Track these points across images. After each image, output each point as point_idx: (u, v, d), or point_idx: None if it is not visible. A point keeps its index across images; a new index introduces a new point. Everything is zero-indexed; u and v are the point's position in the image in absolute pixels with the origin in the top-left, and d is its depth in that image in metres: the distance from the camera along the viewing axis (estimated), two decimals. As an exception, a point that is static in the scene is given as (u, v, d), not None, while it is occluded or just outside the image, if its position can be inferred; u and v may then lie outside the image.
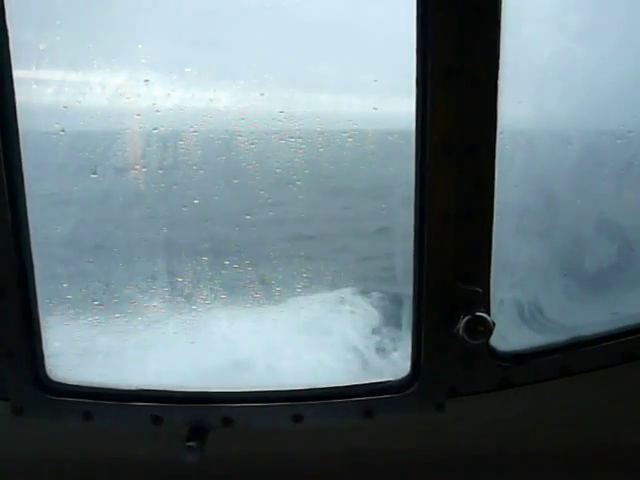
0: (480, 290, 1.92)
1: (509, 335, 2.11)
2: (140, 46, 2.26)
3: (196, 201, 2.52)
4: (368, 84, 2.27)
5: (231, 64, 2.38)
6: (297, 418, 1.99)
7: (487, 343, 1.95)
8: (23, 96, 1.91)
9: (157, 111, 2.32)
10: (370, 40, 2.30)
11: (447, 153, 1.82)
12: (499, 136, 1.87)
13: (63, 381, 2.05)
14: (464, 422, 2.09)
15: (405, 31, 1.82)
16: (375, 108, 2.27)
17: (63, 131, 2.22)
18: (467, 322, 1.86)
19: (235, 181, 2.64)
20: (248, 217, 2.67)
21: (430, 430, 2.10)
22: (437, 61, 1.76)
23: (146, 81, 2.26)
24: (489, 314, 1.92)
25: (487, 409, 2.08)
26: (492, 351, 2.01)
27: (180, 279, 2.62)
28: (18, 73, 1.89)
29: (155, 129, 2.39)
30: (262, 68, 2.32)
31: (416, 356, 1.98)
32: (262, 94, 2.33)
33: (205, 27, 2.35)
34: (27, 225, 1.95)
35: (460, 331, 1.87)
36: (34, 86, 2.11)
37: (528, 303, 2.26)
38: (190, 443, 1.93)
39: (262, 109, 2.38)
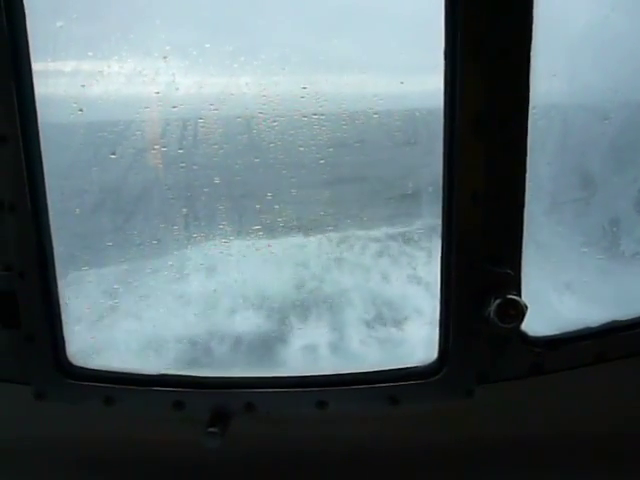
0: (511, 272, 1.85)
1: (541, 319, 2.03)
2: (158, 22, 2.21)
3: (217, 180, 2.48)
4: (394, 61, 2.18)
5: (254, 43, 2.32)
6: (321, 404, 1.95)
7: (518, 328, 1.87)
8: (42, 87, 1.88)
9: (177, 89, 2.27)
10: (396, 16, 2.21)
11: (477, 130, 1.74)
12: (531, 111, 1.78)
13: (84, 365, 2.04)
14: (494, 409, 2.03)
15: (432, 5, 1.73)
16: (402, 82, 2.19)
17: (81, 110, 2.19)
18: (498, 305, 1.79)
19: (256, 160, 2.59)
20: (270, 196, 2.62)
21: (459, 417, 2.04)
22: (466, 34, 1.68)
23: (165, 58, 2.21)
24: (520, 297, 1.84)
25: (518, 396, 2.02)
26: (524, 336, 1.94)
27: (201, 264, 2.60)
28: (37, 65, 1.85)
29: (174, 107, 2.34)
30: (285, 47, 2.26)
31: (444, 341, 1.92)
32: (283, 69, 2.26)
33: (225, 7, 2.28)
34: (46, 209, 1.93)
35: (491, 315, 1.80)
36: (52, 74, 2.07)
37: (562, 286, 2.18)
38: (212, 429, 1.91)
39: (284, 87, 2.32)
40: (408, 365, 1.98)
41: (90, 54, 2.20)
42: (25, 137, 1.85)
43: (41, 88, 1.87)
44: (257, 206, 2.82)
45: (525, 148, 1.79)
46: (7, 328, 1.98)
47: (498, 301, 1.80)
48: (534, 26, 1.70)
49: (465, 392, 1.94)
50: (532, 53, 1.72)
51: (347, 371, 2.00)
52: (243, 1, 2.29)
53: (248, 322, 2.71)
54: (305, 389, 1.96)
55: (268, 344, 2.60)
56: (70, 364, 2.01)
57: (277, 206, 2.79)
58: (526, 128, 1.77)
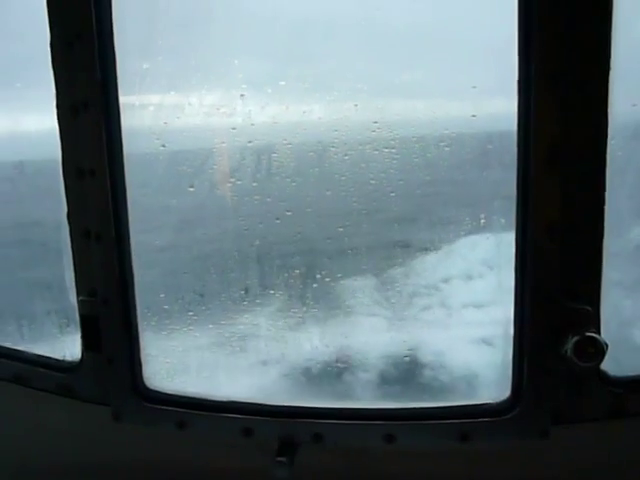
0: (590, 308, 1.77)
1: (622, 358, 1.93)
2: (236, 62, 2.31)
3: (289, 213, 2.53)
4: (466, 88, 2.18)
5: (324, 75, 2.38)
6: (389, 438, 1.92)
7: (598, 367, 1.79)
8: (127, 119, 2.00)
9: (252, 124, 2.36)
10: (467, 43, 2.21)
11: (552, 162, 1.70)
12: (610, 142, 1.72)
13: (159, 389, 2.10)
14: (570, 452, 1.93)
15: (506, 30, 1.73)
16: (474, 115, 2.18)
17: (163, 146, 2.30)
18: (576, 343, 1.72)
19: (328, 193, 2.63)
20: (341, 229, 2.64)
21: (532, 458, 1.96)
22: (541, 62, 1.65)
23: (242, 96, 2.31)
24: (600, 334, 1.76)
25: (597, 439, 1.91)
26: (604, 376, 1.85)
27: (272, 291, 2.64)
28: (123, 94, 1.98)
29: (250, 142, 2.43)
30: (356, 78, 2.30)
31: (517, 378, 1.85)
32: (356, 105, 2.30)
33: (299, 40, 2.36)
34: (129, 238, 2.04)
35: (568, 352, 1.73)
36: (137, 109, 2.20)
37: (644, 323, 2.07)
38: (280, 458, 1.91)
39: (355, 120, 2.36)
40: (480, 401, 1.92)
41: (172, 92, 2.32)
42: (111, 170, 1.97)
43: (126, 121, 1.99)
44: (327, 240, 2.85)
45: (603, 181, 1.73)
46: (90, 351, 2.08)
47: (576, 338, 1.73)
48: (612, 54, 1.66)
49: (539, 432, 1.86)
50: (610, 82, 1.68)
51: (417, 405, 1.97)
52: (316, 35, 2.36)
53: (317, 351, 2.72)
54: (373, 422, 1.94)
55: (337, 374, 2.59)
56: (146, 387, 2.09)
57: (347, 238, 2.81)
58: (604, 159, 1.72)
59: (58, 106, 1.96)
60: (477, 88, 2.13)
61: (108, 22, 1.91)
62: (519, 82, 1.72)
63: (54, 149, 2.02)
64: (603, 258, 1.78)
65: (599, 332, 1.79)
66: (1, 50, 2.57)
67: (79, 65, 1.91)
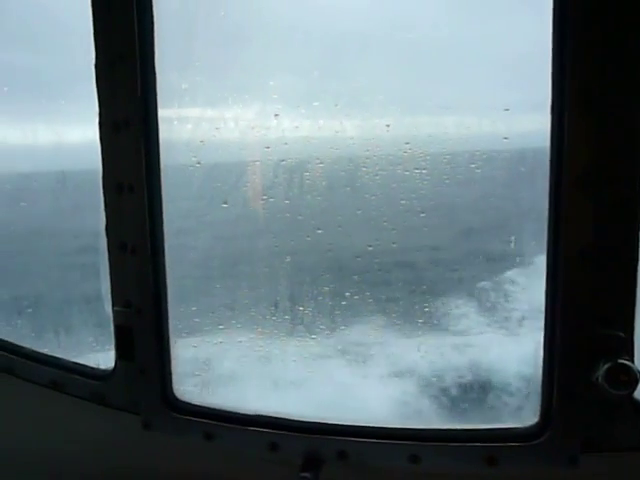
0: (623, 335, 1.74)
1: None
2: (271, 83, 2.36)
3: (320, 231, 2.56)
4: (498, 107, 2.19)
5: (357, 93, 2.42)
6: (414, 459, 1.90)
7: (631, 395, 1.75)
8: (165, 133, 2.06)
9: (285, 143, 2.41)
10: (500, 60, 2.22)
11: (585, 186, 1.69)
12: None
13: (188, 400, 2.13)
14: None
15: (538, 48, 1.73)
16: (506, 138, 2.18)
17: (199, 164, 2.36)
18: (608, 370, 1.69)
19: (359, 212, 2.66)
20: (370, 248, 2.66)
21: None
22: (575, 84, 1.65)
23: (276, 115, 2.35)
24: (633, 362, 1.73)
25: (629, 468, 1.86)
26: (637, 404, 1.80)
27: (301, 307, 2.66)
28: (162, 112, 2.05)
29: (282, 161, 2.47)
30: (388, 96, 2.33)
31: (547, 403, 1.82)
32: (388, 125, 2.33)
33: (332, 60, 2.41)
34: (164, 251, 2.09)
35: (599, 379, 1.70)
36: (175, 124, 2.26)
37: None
38: (305, 474, 1.92)
39: (387, 140, 2.38)
40: (508, 425, 1.90)
41: (210, 111, 2.39)
42: (149, 186, 2.03)
43: (164, 135, 2.05)
44: (358, 259, 2.87)
45: (637, 205, 1.71)
46: (124, 360, 2.13)
47: (608, 365, 1.69)
48: None
49: (569, 459, 1.82)
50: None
51: (443, 426, 1.95)
52: (349, 53, 2.40)
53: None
54: (399, 441, 1.93)
55: (361, 392, 2.59)
56: (176, 398, 2.12)
57: (377, 259, 2.82)
58: (637, 186, 1.70)
59: (100, 123, 2.04)
60: (510, 110, 2.14)
61: (150, 43, 1.98)
62: (552, 106, 1.72)
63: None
64: (638, 283, 1.75)
65: (633, 360, 1.75)
66: (47, 66, 2.69)
67: (121, 84, 1.98)
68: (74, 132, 2.77)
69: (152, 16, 1.97)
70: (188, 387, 2.17)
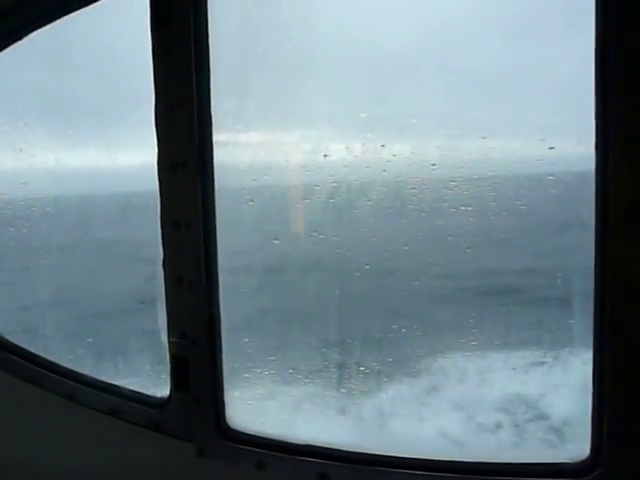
0: None
1: None
2: (317, 118, 2.45)
3: (367, 266, 2.62)
4: (541, 124, 2.21)
5: (405, 124, 2.46)
6: None
7: None
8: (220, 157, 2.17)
9: (334, 183, 2.50)
10: (545, 78, 2.25)
11: (632, 219, 1.70)
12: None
13: (241, 429, 2.19)
14: None
15: (581, 73, 1.77)
16: (551, 176, 2.21)
17: (252, 201, 2.47)
18: (658, 405, 1.67)
19: (405, 248, 2.70)
20: (417, 283, 2.70)
21: None
22: (619, 121, 1.68)
23: (325, 156, 2.45)
24: None
25: None
26: None
27: (349, 340, 2.71)
28: (217, 137, 2.16)
29: (332, 199, 2.55)
30: (434, 119, 2.37)
31: (597, 438, 1.80)
32: (433, 165, 2.38)
33: (378, 86, 2.48)
34: (218, 284, 2.18)
35: (650, 414, 1.68)
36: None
37: None
38: (353, 504, 1.93)
39: (433, 176, 2.43)
40: (558, 460, 1.88)
41: (262, 152, 2.50)
42: (205, 222, 2.14)
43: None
44: (404, 293, 2.91)
45: None
46: (178, 389, 2.21)
47: (658, 400, 1.68)
48: None
49: None
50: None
51: (490, 460, 1.94)
52: (394, 76, 2.48)
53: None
54: (445, 474, 1.92)
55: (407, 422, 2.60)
56: (228, 427, 2.18)
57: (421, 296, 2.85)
58: None
59: (159, 164, 2.17)
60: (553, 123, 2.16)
61: (206, 89, 2.12)
62: (596, 144, 1.75)
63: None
64: None
65: None
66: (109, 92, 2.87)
67: (179, 128, 2.12)
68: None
69: (209, 60, 2.11)
70: (240, 416, 2.23)
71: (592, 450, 1.81)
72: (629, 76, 1.65)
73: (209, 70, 2.12)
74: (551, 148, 2.16)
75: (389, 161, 2.40)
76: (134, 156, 2.83)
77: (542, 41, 2.21)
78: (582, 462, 1.82)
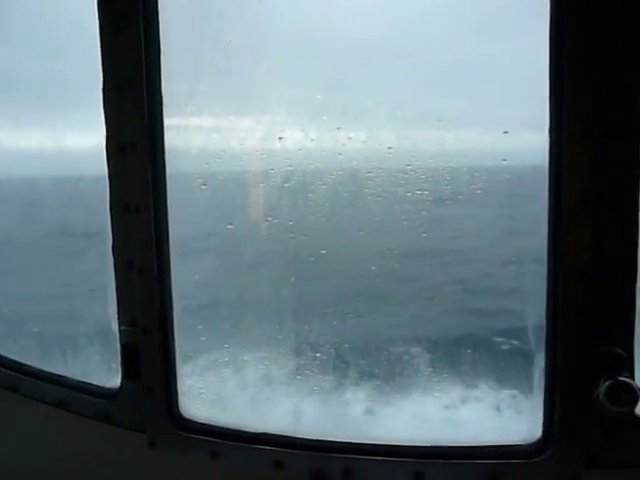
0: (623, 353, 1.77)
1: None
2: (275, 106, 2.41)
3: (323, 251, 2.60)
4: (497, 117, 2.23)
5: (361, 110, 2.44)
6: (418, 476, 1.91)
7: (632, 412, 1.77)
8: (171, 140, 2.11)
9: (290, 166, 2.46)
10: (502, 72, 2.26)
11: (584, 204, 1.73)
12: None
13: (194, 418, 2.15)
14: None
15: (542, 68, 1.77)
16: (505, 159, 2.22)
17: (204, 185, 2.41)
18: (608, 387, 1.71)
19: (360, 233, 2.70)
20: (374, 268, 2.69)
21: None
22: (572, 104, 1.70)
23: (280, 138, 2.40)
24: (634, 380, 1.75)
25: None
26: (638, 421, 1.82)
27: (306, 327, 2.69)
28: (169, 120, 2.11)
29: (286, 184, 2.52)
30: (390, 114, 2.36)
31: (549, 420, 1.84)
32: (389, 148, 2.37)
33: (337, 74, 2.45)
34: (169, 271, 2.12)
35: (600, 396, 1.72)
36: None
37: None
38: (310, 492, 1.93)
39: (390, 162, 2.42)
40: (510, 442, 1.91)
41: (215, 135, 2.43)
42: (155, 207, 2.08)
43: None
44: (360, 278, 2.90)
45: (636, 225, 1.75)
46: (129, 379, 2.15)
47: (608, 382, 1.71)
48: None
49: (571, 476, 1.83)
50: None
51: (446, 444, 1.97)
52: (354, 63, 2.45)
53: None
54: (402, 459, 1.94)
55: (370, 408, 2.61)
56: (181, 416, 2.14)
57: (380, 279, 2.85)
58: (637, 205, 1.74)
59: (107, 145, 2.10)
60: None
61: (156, 68, 2.05)
62: (550, 129, 1.77)
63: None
64: (637, 301, 1.78)
65: (633, 377, 1.77)
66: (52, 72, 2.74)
67: (128, 109, 2.04)
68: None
69: (159, 38, 2.03)
70: (193, 405, 2.18)
71: (544, 431, 1.85)
72: (581, 60, 1.67)
73: (159, 48, 2.05)
74: (505, 132, 2.18)
75: (344, 144, 2.38)
76: (82, 138, 2.72)
77: (506, 36, 2.22)
78: (534, 443, 1.87)
